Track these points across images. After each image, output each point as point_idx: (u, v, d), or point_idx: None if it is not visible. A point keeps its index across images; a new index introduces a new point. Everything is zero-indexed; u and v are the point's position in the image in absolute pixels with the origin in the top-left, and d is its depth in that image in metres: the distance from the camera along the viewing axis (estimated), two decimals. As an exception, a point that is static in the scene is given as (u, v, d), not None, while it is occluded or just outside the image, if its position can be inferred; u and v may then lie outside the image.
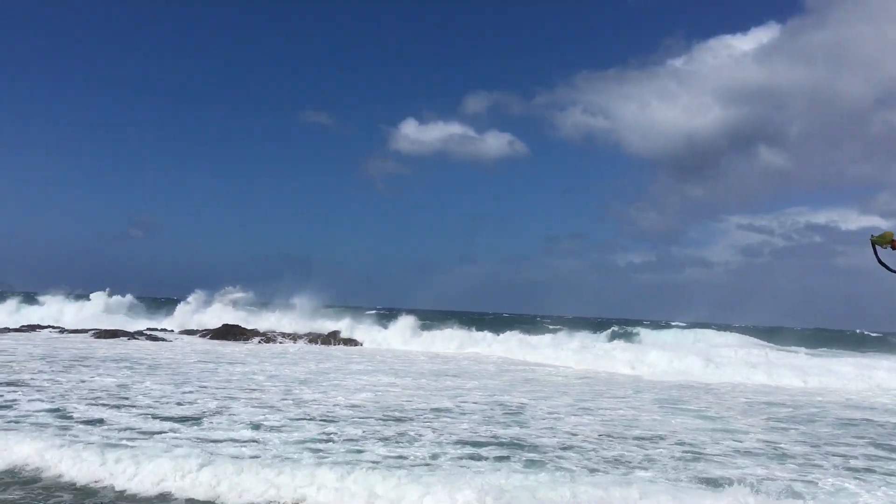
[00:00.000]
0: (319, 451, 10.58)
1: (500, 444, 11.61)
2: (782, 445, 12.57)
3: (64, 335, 34.59)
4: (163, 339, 35.22)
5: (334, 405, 14.94)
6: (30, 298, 47.50)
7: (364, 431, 12.14)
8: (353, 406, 14.92)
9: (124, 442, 10.64)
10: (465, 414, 14.55)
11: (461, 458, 10.49)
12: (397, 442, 11.42)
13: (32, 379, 17.02)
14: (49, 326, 38.77)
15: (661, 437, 12.84)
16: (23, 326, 38.41)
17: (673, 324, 66.41)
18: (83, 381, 17.00)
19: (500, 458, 10.65)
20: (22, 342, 28.74)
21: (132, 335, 35.15)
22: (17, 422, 11.83)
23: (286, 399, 15.49)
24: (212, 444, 10.74)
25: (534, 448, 11.43)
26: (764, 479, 9.99)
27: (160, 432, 11.46)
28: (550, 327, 52.85)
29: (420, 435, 12.03)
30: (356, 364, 25.45)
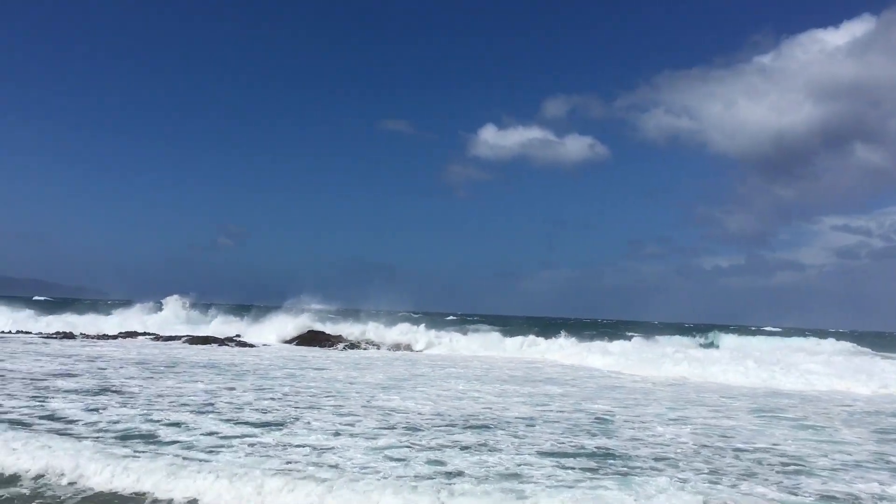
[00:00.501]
0: (400, 459, 10.35)
1: (588, 455, 11.11)
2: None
3: (158, 342, 35.76)
4: (251, 346, 35.98)
5: (416, 412, 14.73)
6: (127, 306, 49.46)
7: (446, 440, 11.86)
8: (435, 413, 14.67)
9: (201, 447, 10.67)
10: (548, 422, 14.09)
11: (545, 469, 10.06)
12: (478, 451, 11.07)
13: (123, 385, 17.49)
14: (145, 333, 40.23)
15: (762, 449, 12.06)
16: (121, 333, 39.94)
17: (765, 329, 63.73)
18: (173, 387, 17.36)
19: (586, 469, 10.17)
20: (119, 349, 29.83)
21: (222, 341, 36.11)
22: (104, 430, 12.04)
23: (368, 406, 15.38)
24: (293, 449, 10.65)
25: (624, 459, 10.88)
26: (881, 497, 9.18)
27: (241, 436, 11.47)
28: (634, 333, 51.41)
29: (503, 444, 11.66)
30: (438, 370, 25.26)
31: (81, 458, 9.55)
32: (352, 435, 11.98)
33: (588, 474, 9.84)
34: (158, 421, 12.59)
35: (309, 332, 39.66)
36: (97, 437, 11.09)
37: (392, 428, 12.72)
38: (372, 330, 40.65)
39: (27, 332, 39.92)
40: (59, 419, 12.45)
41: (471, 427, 13.17)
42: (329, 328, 40.87)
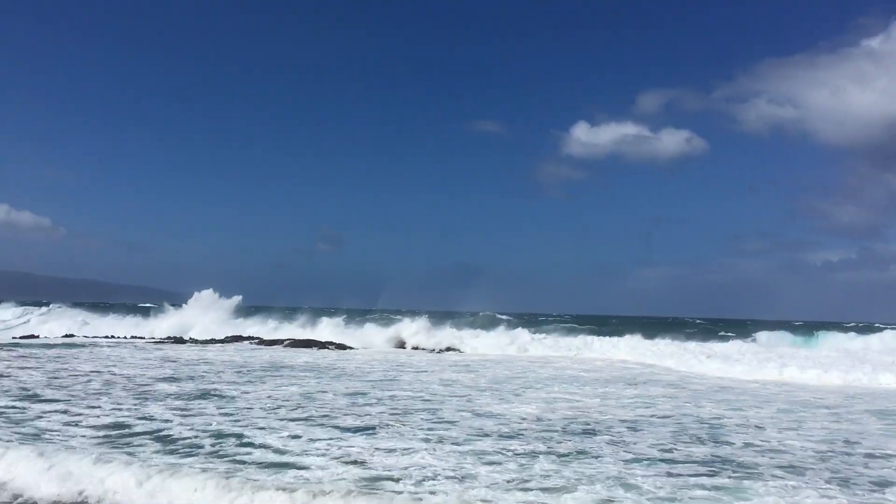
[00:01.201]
0: (492, 462, 9.88)
1: (699, 463, 10.33)
2: None
3: (262, 346, 36.61)
4: (350, 348, 36.38)
5: (511, 415, 14.23)
6: (235, 311, 50.88)
7: (542, 445, 11.32)
8: (530, 417, 14.14)
9: (286, 452, 10.51)
10: (653, 427, 13.33)
11: (650, 478, 9.37)
12: (578, 458, 10.48)
13: (223, 389, 17.77)
14: (250, 338, 41.33)
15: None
16: (227, 337, 41.24)
17: (882, 326, 59.47)
18: (269, 391, 17.51)
19: (697, 475, 9.43)
20: (223, 353, 30.67)
21: (322, 345, 36.65)
22: (198, 433, 12.11)
23: (463, 410, 14.98)
24: (379, 455, 10.34)
25: (740, 467, 10.04)
26: None
27: (329, 439, 11.27)
28: (739, 332, 49.02)
29: (605, 451, 11.03)
30: (535, 372, 24.66)
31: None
32: (442, 441, 11.60)
33: (700, 483, 9.11)
34: (247, 426, 12.57)
35: (404, 335, 39.77)
36: (189, 442, 11.13)
37: (486, 435, 12.25)
38: (469, 332, 40.40)
39: (140, 338, 41.77)
40: (154, 421, 12.61)
41: (571, 432, 12.57)
42: (425, 331, 40.85)
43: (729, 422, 14.18)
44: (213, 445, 10.95)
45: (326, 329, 42.95)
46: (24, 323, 50.69)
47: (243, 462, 9.93)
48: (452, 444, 11.36)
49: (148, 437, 11.41)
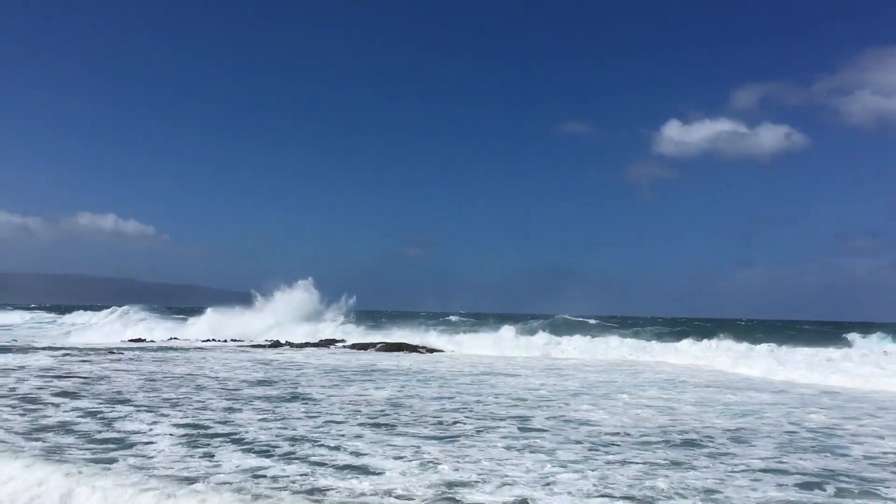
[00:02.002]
0: (578, 471, 9.24)
1: (810, 475, 9.39)
2: None
3: (354, 349, 36.89)
4: (440, 351, 36.21)
5: (603, 422, 13.52)
6: (328, 314, 51.74)
7: (633, 454, 10.59)
8: (622, 424, 13.38)
9: (358, 458, 10.18)
10: (758, 436, 12.34)
11: (754, 491, 8.52)
12: (676, 468, 9.71)
13: (314, 391, 17.76)
14: (342, 341, 41.85)
15: None
16: (321, 341, 41.92)
17: None
18: (356, 394, 17.37)
19: (809, 489, 8.53)
20: (316, 356, 31.00)
21: (414, 348, 36.63)
22: (274, 436, 11.98)
23: (554, 417, 14.34)
24: (460, 465, 9.88)
25: (861, 481, 9.06)
26: None
27: (409, 445, 10.84)
28: (847, 334, 45.88)
29: (705, 462, 10.20)
30: (628, 377, 23.68)
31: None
32: (527, 448, 11.02)
33: (815, 500, 8.21)
34: (329, 429, 12.36)
35: (494, 339, 39.27)
36: (266, 442, 10.98)
37: (577, 442, 11.59)
38: (559, 337, 39.53)
39: (239, 341, 42.98)
40: (236, 423, 12.56)
41: (666, 441, 11.76)
42: (515, 335, 40.25)
43: (843, 431, 13.00)
44: (290, 446, 10.78)
45: (418, 332, 42.97)
46: (108, 324, 53.03)
47: (316, 464, 9.67)
48: (538, 451, 10.78)
49: (226, 438, 11.33)
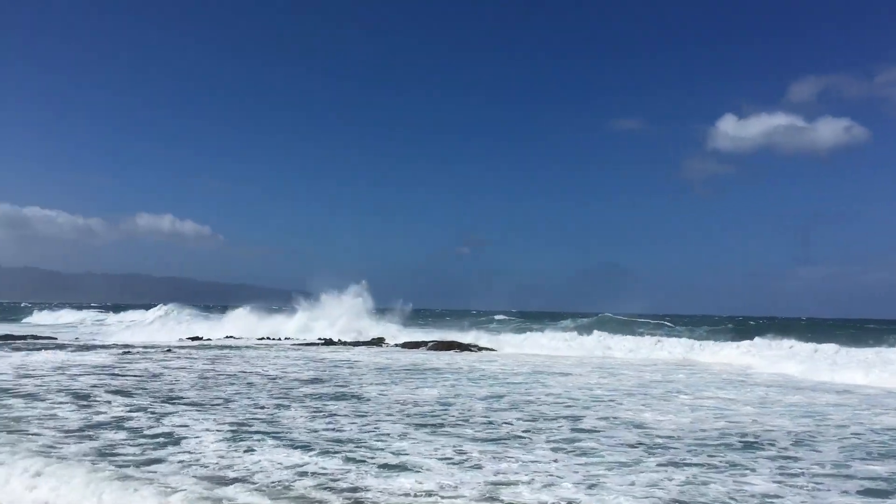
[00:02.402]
0: (629, 473, 8.91)
1: (881, 480, 8.87)
2: None
3: (405, 348, 36.87)
4: (491, 350, 35.93)
5: (657, 424, 13.10)
6: (380, 314, 52.01)
7: (689, 457, 10.19)
8: (678, 425, 12.94)
9: (398, 459, 10.00)
10: (823, 440, 11.78)
11: (816, 499, 8.07)
12: (733, 472, 9.29)
13: (364, 390, 17.71)
14: (392, 339, 41.90)
15: None
16: (372, 339, 42.05)
17: None
18: (405, 393, 17.25)
19: (882, 497, 8.04)
20: (367, 354, 31.06)
21: (465, 347, 36.39)
22: (317, 433, 11.91)
23: (605, 417, 13.97)
24: (508, 460, 9.61)
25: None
26: None
27: (455, 444, 10.59)
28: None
29: (766, 467, 9.75)
30: (685, 376, 23.04)
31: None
32: (576, 449, 10.71)
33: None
34: (375, 427, 12.24)
35: (546, 338, 38.85)
36: (308, 438, 10.90)
37: (629, 444, 11.23)
38: (611, 336, 38.88)
39: (290, 339, 43.43)
40: (281, 420, 12.55)
41: (725, 444, 11.31)
42: (568, 334, 39.73)
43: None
44: (334, 445, 10.69)
45: (468, 331, 42.77)
46: (151, 324, 54.40)
47: (355, 461, 9.56)
48: (587, 453, 10.47)
49: (271, 436, 11.30)
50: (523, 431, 12.15)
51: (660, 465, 9.70)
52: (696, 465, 9.73)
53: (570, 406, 15.39)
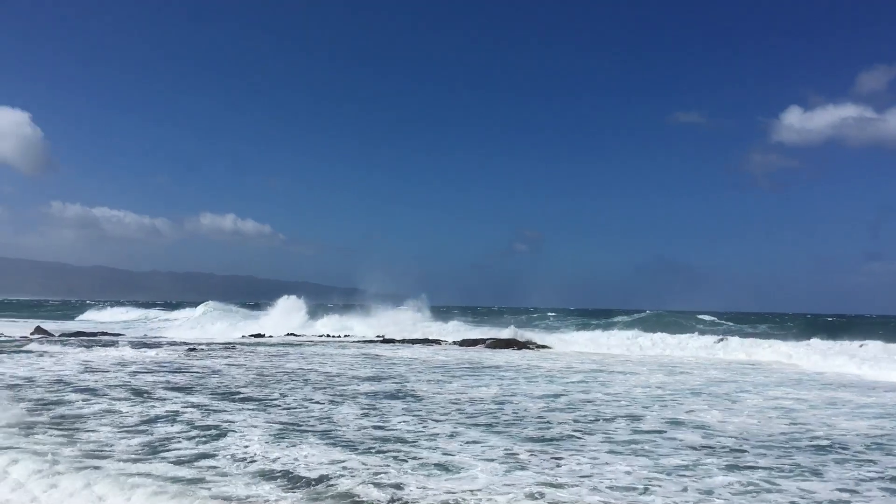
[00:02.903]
0: (687, 476, 8.50)
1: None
2: None
3: (464, 346, 36.70)
4: (548, 348, 35.49)
5: (720, 425, 12.60)
6: (435, 312, 52.03)
7: (753, 459, 9.72)
8: (742, 426, 12.41)
9: (448, 460, 9.78)
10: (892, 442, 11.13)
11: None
12: (802, 476, 8.81)
13: (419, 388, 17.59)
14: (449, 337, 41.80)
15: None
16: (429, 338, 42.02)
17: None
18: (460, 392, 17.05)
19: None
20: (423, 353, 30.99)
21: (523, 345, 36.06)
22: (366, 432, 11.80)
23: (665, 418, 13.49)
24: (560, 462, 9.32)
25: None
26: None
27: (506, 445, 10.33)
28: None
29: (835, 472, 9.23)
30: (750, 376, 22.24)
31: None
32: (633, 451, 10.34)
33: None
34: (426, 426, 12.07)
35: (606, 336, 38.18)
36: (355, 437, 10.80)
37: (689, 446, 10.79)
38: (672, 335, 37.96)
39: (350, 336, 43.86)
40: (333, 417, 12.49)
41: (792, 447, 10.77)
42: (628, 333, 38.97)
43: None
44: (378, 442, 10.58)
45: (526, 328, 42.37)
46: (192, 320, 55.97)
47: (401, 461, 9.42)
48: (643, 454, 10.09)
49: (316, 433, 11.26)
50: (579, 432, 11.82)
51: (719, 469, 9.27)
52: (761, 469, 9.27)
53: (629, 405, 14.96)
